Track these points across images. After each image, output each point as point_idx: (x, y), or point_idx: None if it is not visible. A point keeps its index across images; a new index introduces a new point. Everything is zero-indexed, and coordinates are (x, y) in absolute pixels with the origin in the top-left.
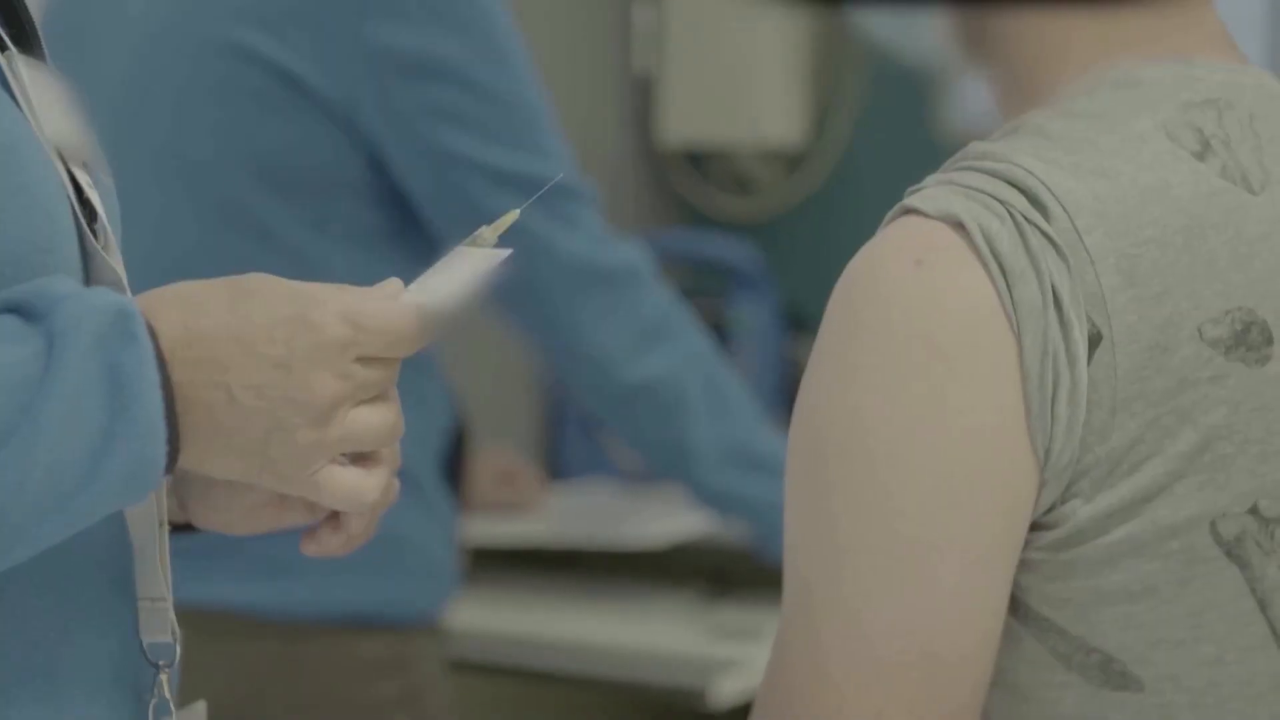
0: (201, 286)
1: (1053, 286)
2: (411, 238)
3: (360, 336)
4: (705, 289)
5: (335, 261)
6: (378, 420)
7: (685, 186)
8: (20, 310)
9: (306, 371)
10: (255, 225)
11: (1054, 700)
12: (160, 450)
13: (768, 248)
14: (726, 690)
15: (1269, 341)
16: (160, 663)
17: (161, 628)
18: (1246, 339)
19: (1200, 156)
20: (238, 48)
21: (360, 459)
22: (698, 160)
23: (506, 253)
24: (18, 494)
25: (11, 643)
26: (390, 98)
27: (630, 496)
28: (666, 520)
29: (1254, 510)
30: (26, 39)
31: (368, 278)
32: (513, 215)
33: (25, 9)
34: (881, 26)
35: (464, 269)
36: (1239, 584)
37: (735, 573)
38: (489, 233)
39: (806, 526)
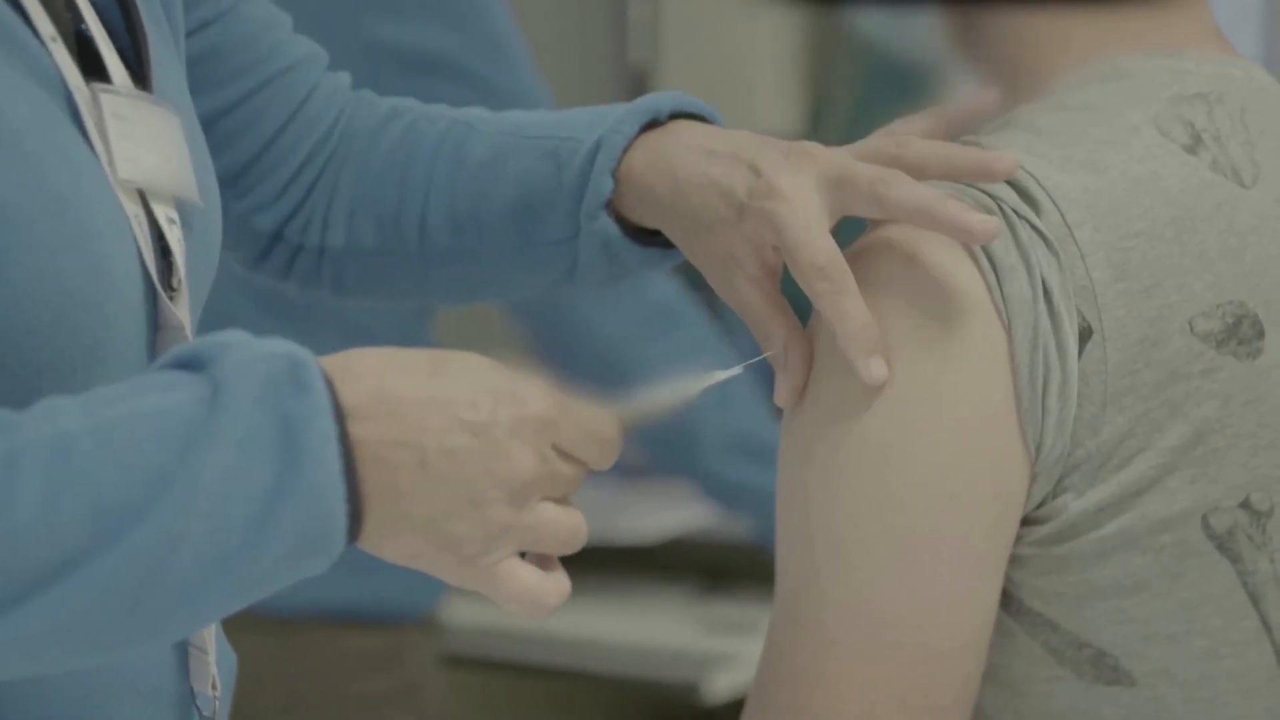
0: (398, 350)
1: (1043, 280)
2: None
3: (562, 421)
4: (700, 281)
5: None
6: (566, 520)
7: None
8: (184, 364)
9: (508, 443)
10: None
11: (1046, 695)
12: (339, 509)
13: None
14: (720, 685)
15: (1260, 335)
16: (205, 713)
17: (203, 679)
18: (1238, 332)
19: (1191, 150)
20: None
21: (539, 560)
22: None
23: (722, 376)
24: (173, 550)
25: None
26: (390, 92)
27: (625, 491)
28: (661, 515)
29: (1245, 504)
30: (141, 67)
31: None
32: (734, 371)
33: (143, 34)
34: (875, 23)
35: (669, 391)
36: (1231, 578)
37: (729, 567)
38: (719, 375)
39: (798, 519)
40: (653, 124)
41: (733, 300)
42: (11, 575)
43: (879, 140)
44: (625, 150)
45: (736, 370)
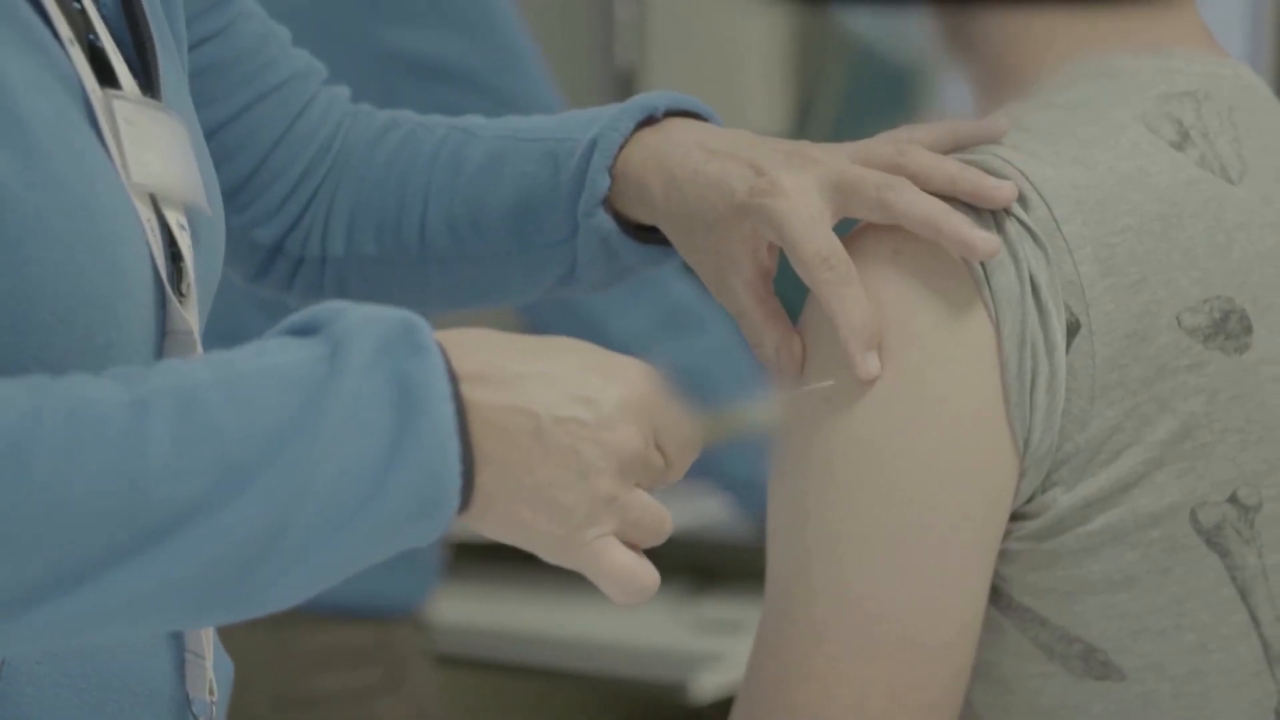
0: (501, 333)
1: (1030, 275)
2: None
3: (662, 409)
4: (690, 280)
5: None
6: (657, 509)
7: None
8: (299, 331)
9: (617, 418)
10: None
11: (1036, 691)
12: (453, 467)
13: None
14: (708, 684)
15: (1248, 330)
16: (201, 718)
17: (200, 684)
18: (1225, 327)
19: (1179, 146)
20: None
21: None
22: None
23: (811, 388)
24: (298, 504)
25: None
26: (403, 100)
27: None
28: None
29: (1233, 498)
30: (148, 76)
31: None
32: (825, 385)
33: (151, 44)
34: (863, 23)
35: (753, 408)
36: (1219, 572)
37: (718, 567)
38: (806, 388)
39: (789, 515)
40: (649, 121)
41: (726, 301)
42: (140, 520)
43: (880, 145)
44: (621, 147)
45: (827, 385)
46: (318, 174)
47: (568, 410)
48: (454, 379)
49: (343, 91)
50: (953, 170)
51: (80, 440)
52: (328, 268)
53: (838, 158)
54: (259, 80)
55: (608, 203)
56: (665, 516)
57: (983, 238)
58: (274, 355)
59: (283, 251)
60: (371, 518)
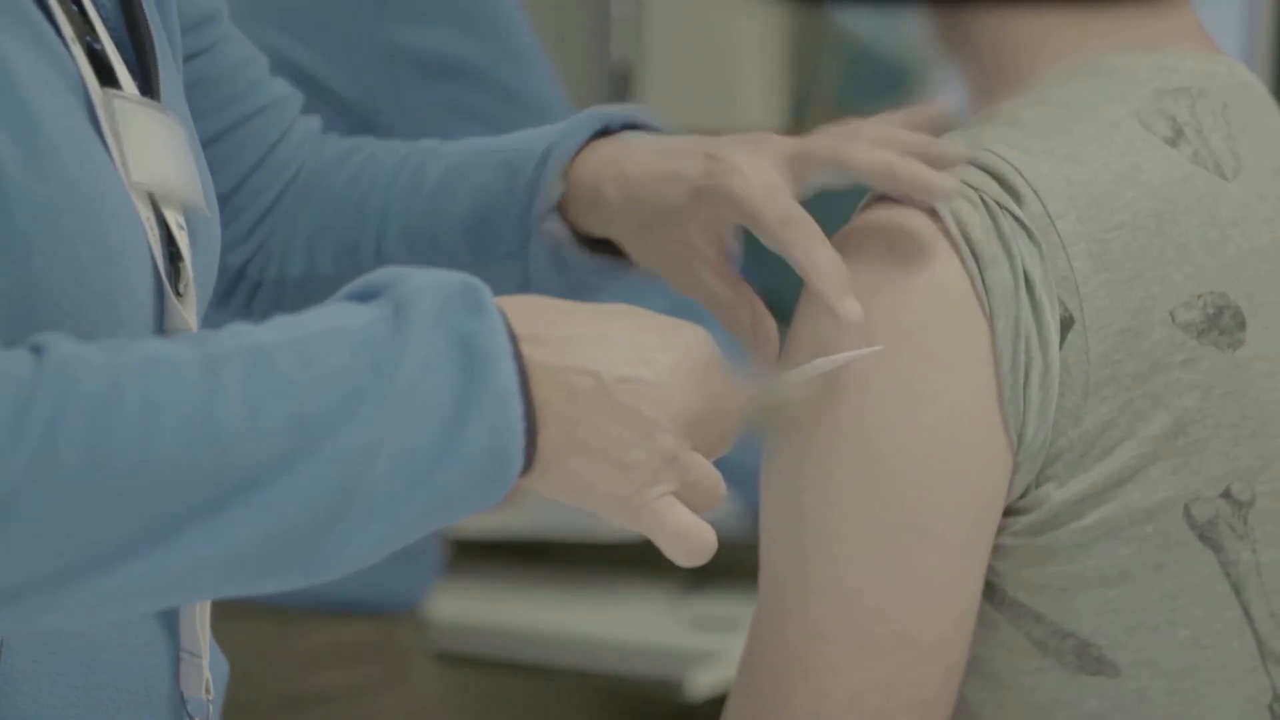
0: (555, 299)
1: (1025, 270)
2: None
3: (718, 370)
4: None
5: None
6: (713, 472)
7: None
8: (359, 296)
9: (675, 375)
10: None
11: (1030, 686)
12: (517, 425)
13: (746, 236)
14: (703, 681)
15: (1241, 326)
16: (197, 718)
17: (196, 683)
18: (1219, 323)
19: (1172, 143)
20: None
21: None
22: None
23: (842, 359)
24: (370, 464)
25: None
26: (410, 98)
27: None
28: None
29: (1227, 494)
30: (147, 78)
31: None
32: (863, 354)
33: (150, 46)
34: (859, 21)
35: (796, 376)
36: (1213, 568)
37: (713, 564)
38: (839, 359)
39: (782, 511)
40: (606, 133)
41: (694, 289)
42: (219, 478)
43: (822, 138)
44: (575, 154)
45: (865, 352)
46: (287, 202)
47: (629, 370)
48: (515, 339)
49: (315, 122)
50: (891, 159)
51: (158, 401)
52: (286, 289)
53: (788, 139)
54: (242, 103)
55: (562, 211)
56: (720, 480)
57: (940, 178)
58: (339, 317)
59: (245, 276)
60: (441, 475)
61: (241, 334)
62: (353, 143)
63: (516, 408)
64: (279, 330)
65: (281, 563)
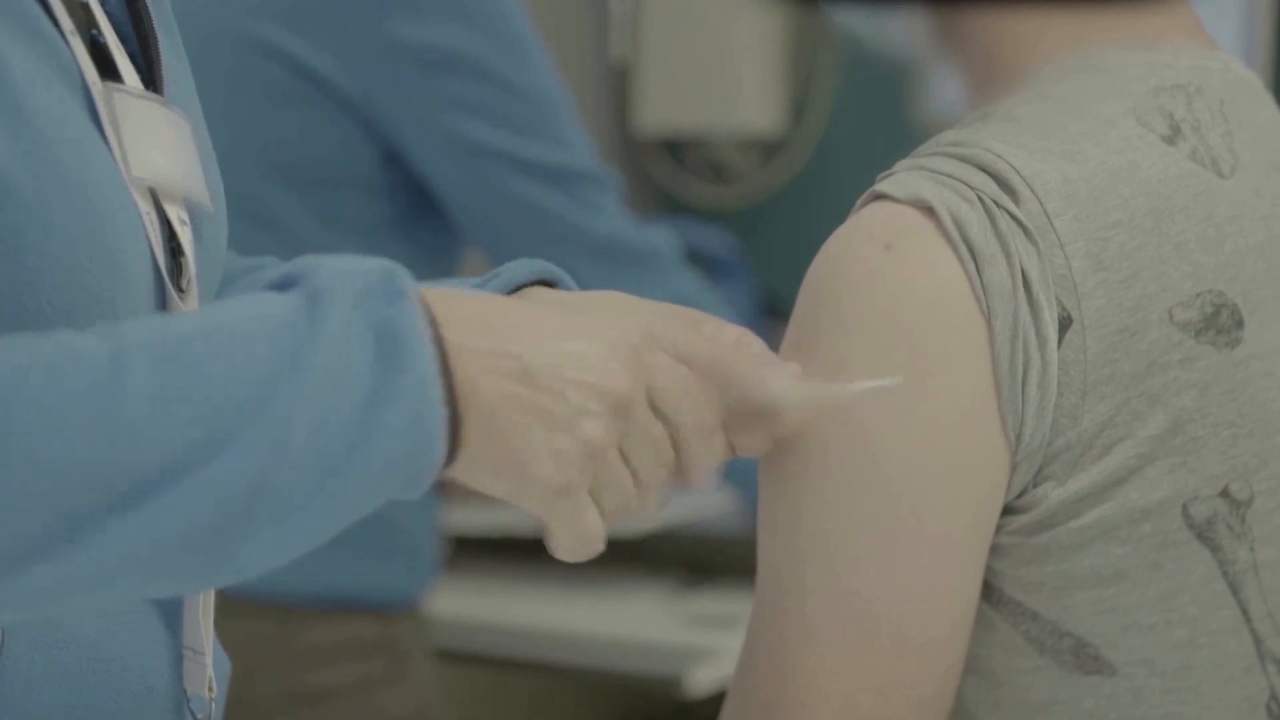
0: (494, 294)
1: (1022, 270)
2: (418, 232)
3: (660, 365)
4: (722, 278)
5: (342, 254)
6: (629, 482)
7: (662, 175)
8: (278, 286)
9: (602, 359)
10: (265, 216)
11: (1027, 686)
12: (436, 412)
13: (745, 235)
14: (702, 678)
15: (1239, 324)
16: (199, 715)
17: (199, 680)
18: (1216, 322)
19: (1169, 140)
20: (256, 41)
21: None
22: (675, 148)
23: (869, 385)
24: (281, 457)
25: (49, 666)
26: (410, 92)
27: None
28: None
29: (1225, 493)
30: (151, 71)
31: None
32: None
33: (154, 39)
34: (855, 20)
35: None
36: (1210, 567)
37: (711, 561)
38: (867, 385)
39: (780, 510)
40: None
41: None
42: (124, 476)
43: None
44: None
45: (883, 384)
46: None
47: (553, 353)
48: (435, 324)
49: None
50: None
51: (63, 397)
52: None
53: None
54: None
55: None
56: (633, 493)
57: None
58: (255, 307)
59: None
60: (357, 466)
61: (156, 325)
62: (255, 261)
63: (436, 393)
64: (194, 321)
65: (197, 561)
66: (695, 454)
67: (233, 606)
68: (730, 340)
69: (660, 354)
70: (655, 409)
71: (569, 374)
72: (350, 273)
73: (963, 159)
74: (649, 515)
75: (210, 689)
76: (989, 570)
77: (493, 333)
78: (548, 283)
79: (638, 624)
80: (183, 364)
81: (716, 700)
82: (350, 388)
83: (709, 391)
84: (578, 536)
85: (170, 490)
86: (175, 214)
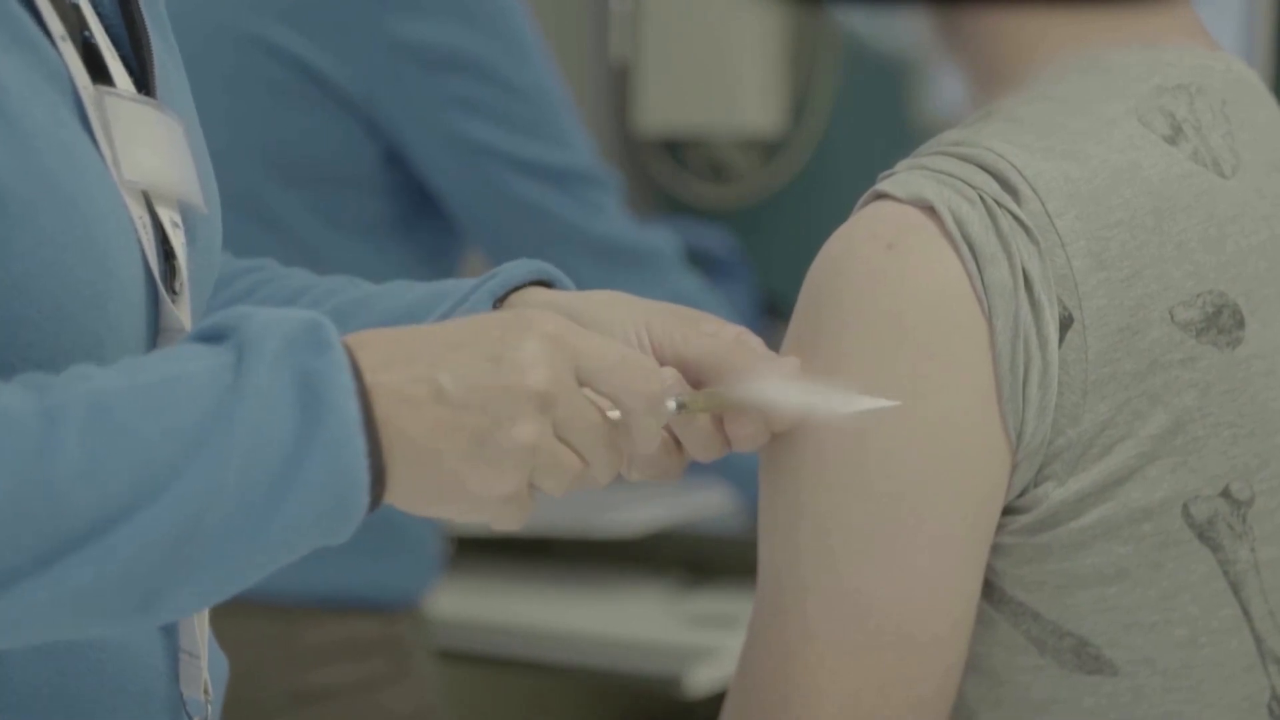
0: (412, 326)
1: (1024, 269)
2: (419, 232)
3: (583, 348)
4: (721, 278)
5: (343, 253)
6: (572, 458)
7: (662, 174)
8: (207, 338)
9: (522, 361)
10: (266, 215)
11: (1028, 685)
12: (359, 462)
13: (745, 235)
14: (702, 678)
15: (1240, 324)
16: (196, 717)
17: (194, 683)
18: (1218, 321)
19: (1171, 140)
20: (257, 39)
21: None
22: (675, 148)
23: (869, 404)
24: (208, 508)
25: (45, 669)
26: (411, 91)
27: (608, 484)
28: (642, 508)
29: (1226, 493)
30: (143, 73)
31: (374, 270)
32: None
33: (147, 40)
34: (857, 19)
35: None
36: (1211, 566)
37: (711, 561)
38: (867, 403)
39: (781, 509)
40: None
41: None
42: (54, 529)
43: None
44: (511, 291)
45: (884, 404)
46: None
47: (468, 370)
48: (358, 372)
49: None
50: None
51: None
52: None
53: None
54: None
55: None
56: (577, 464)
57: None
58: (183, 362)
59: None
60: (282, 518)
61: (84, 379)
62: (252, 263)
63: (359, 444)
64: (123, 375)
65: (125, 606)
66: (639, 425)
67: (233, 606)
68: (729, 338)
69: (584, 334)
70: (588, 387)
71: (484, 382)
72: (277, 324)
73: (964, 158)
74: (602, 482)
75: (206, 691)
76: (990, 569)
77: (404, 363)
78: (545, 283)
79: (638, 624)
80: (113, 423)
81: (716, 700)
82: (274, 442)
83: (646, 362)
84: (505, 521)
85: (97, 545)
86: (167, 217)
